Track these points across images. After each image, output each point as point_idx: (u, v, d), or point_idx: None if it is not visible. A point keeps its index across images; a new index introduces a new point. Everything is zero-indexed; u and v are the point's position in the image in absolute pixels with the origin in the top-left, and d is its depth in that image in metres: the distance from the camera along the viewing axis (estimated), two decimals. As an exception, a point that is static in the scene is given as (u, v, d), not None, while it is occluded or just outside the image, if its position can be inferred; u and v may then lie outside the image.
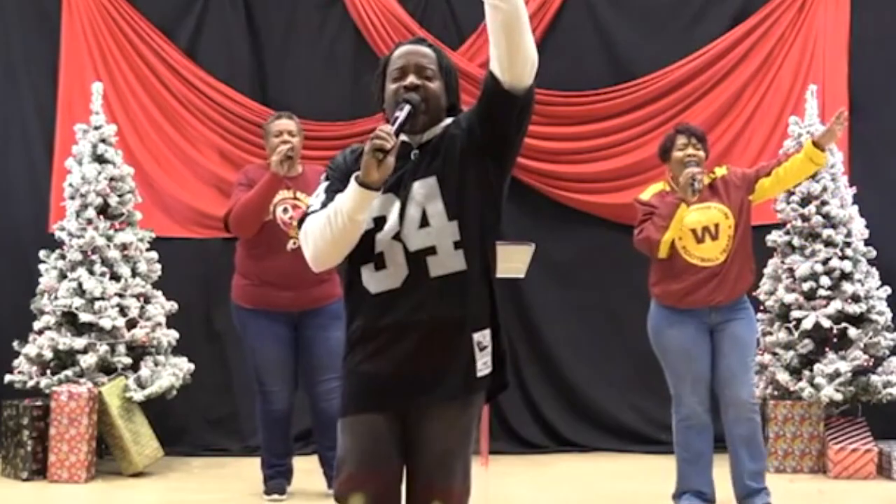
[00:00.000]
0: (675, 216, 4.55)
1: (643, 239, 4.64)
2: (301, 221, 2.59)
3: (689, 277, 4.60)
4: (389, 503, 2.54)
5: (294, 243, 4.86)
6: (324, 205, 2.53)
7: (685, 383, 4.66)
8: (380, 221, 2.53)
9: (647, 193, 4.75)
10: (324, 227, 2.48)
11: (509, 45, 2.45)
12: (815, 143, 4.64)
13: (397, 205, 2.51)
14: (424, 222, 2.51)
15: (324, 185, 2.60)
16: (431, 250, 2.50)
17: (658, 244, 4.59)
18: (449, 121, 2.64)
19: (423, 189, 2.52)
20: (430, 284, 2.49)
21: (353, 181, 2.43)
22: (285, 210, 4.94)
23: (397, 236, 2.51)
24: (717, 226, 4.60)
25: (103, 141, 6.11)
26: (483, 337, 2.54)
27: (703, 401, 4.65)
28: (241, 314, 5.13)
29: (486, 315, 2.56)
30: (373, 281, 2.53)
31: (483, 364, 2.53)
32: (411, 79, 2.56)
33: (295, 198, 4.97)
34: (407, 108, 2.51)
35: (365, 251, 2.52)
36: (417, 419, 2.54)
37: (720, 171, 4.77)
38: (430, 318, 2.48)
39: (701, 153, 4.66)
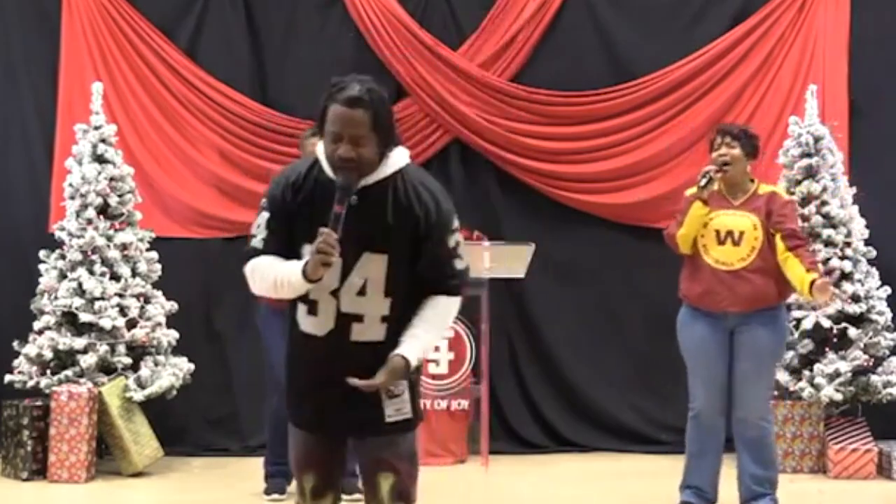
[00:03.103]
0: (690, 213, 4.56)
1: (666, 234, 4.71)
2: (246, 252, 2.76)
3: (704, 278, 4.60)
4: (334, 478, 2.88)
5: None
6: (265, 242, 2.73)
7: (698, 381, 4.67)
8: None
9: (692, 189, 4.71)
10: (269, 285, 2.72)
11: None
12: (810, 285, 4.43)
13: (336, 261, 2.62)
14: (362, 291, 2.70)
15: (265, 216, 2.76)
16: (359, 318, 2.70)
17: (675, 238, 4.62)
18: (394, 167, 2.73)
19: (372, 264, 2.69)
20: (347, 345, 2.71)
21: (299, 274, 2.62)
22: None
23: (335, 292, 2.69)
24: (742, 233, 4.56)
25: (103, 141, 6.11)
26: (395, 387, 2.72)
27: (714, 401, 4.63)
28: (267, 312, 5.09)
29: None
30: (303, 321, 2.76)
31: (395, 411, 2.74)
32: (344, 150, 2.65)
33: None
34: (343, 208, 2.62)
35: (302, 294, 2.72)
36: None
37: (770, 188, 4.72)
38: (339, 373, 2.66)
39: (735, 151, 4.63)
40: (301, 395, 2.82)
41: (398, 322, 2.72)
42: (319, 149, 2.76)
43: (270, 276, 2.70)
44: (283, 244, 2.72)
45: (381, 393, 2.70)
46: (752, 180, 4.72)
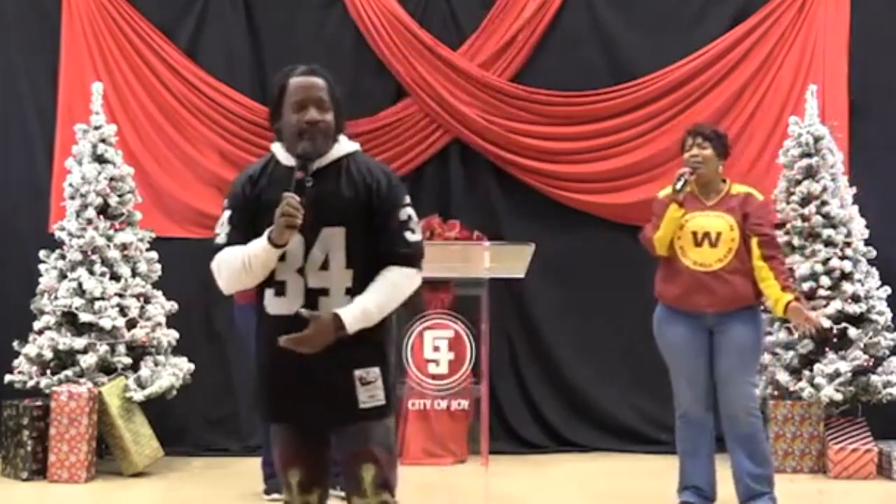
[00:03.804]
0: (666, 215, 4.57)
1: (642, 237, 4.73)
2: (214, 251, 2.85)
3: (682, 279, 4.60)
4: (320, 474, 2.89)
5: None
6: (228, 237, 2.82)
7: (682, 380, 4.69)
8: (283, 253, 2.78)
9: (665, 191, 4.73)
10: (238, 269, 2.78)
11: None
12: (785, 307, 4.49)
13: (298, 239, 2.75)
14: (325, 266, 2.78)
15: (227, 214, 2.86)
16: (325, 292, 2.77)
17: (652, 241, 4.63)
18: (345, 150, 2.88)
19: (331, 237, 2.78)
20: None
21: (265, 241, 2.71)
22: None
23: (301, 270, 2.77)
24: (719, 234, 4.57)
25: (103, 141, 6.11)
26: (367, 373, 2.79)
27: (699, 398, 4.65)
28: (243, 313, 5.13)
29: (373, 354, 2.83)
30: (272, 304, 2.82)
31: (368, 397, 2.79)
32: (312, 114, 2.80)
33: None
34: (305, 175, 2.76)
35: (269, 276, 2.80)
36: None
37: (745, 189, 4.72)
38: (315, 356, 2.72)
39: (707, 151, 4.65)
40: (276, 385, 2.83)
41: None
42: (275, 146, 2.90)
43: (238, 259, 2.77)
44: (246, 238, 2.80)
45: (354, 380, 2.77)
46: (724, 180, 4.73)
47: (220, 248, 2.83)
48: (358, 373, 2.79)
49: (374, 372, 2.81)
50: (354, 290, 2.78)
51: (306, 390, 2.77)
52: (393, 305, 2.82)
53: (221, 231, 2.85)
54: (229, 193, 2.89)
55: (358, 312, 2.74)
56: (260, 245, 2.73)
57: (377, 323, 2.81)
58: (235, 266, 2.78)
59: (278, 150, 2.88)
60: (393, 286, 2.81)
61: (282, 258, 2.76)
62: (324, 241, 2.78)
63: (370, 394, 2.79)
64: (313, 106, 2.81)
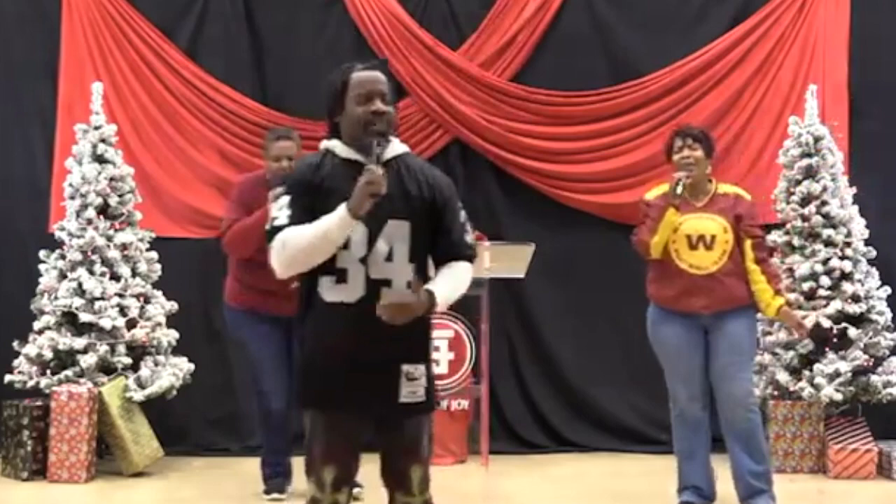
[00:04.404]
0: (663, 220, 4.57)
1: (636, 240, 4.71)
2: (269, 233, 2.83)
3: (678, 282, 4.61)
4: (352, 474, 2.89)
5: None
6: (291, 218, 2.81)
7: (677, 379, 4.69)
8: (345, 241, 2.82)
9: (652, 193, 4.76)
10: (307, 244, 2.77)
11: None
12: (777, 311, 4.61)
13: (361, 229, 2.79)
14: (389, 257, 2.83)
15: (286, 198, 2.85)
16: (387, 283, 2.81)
17: (647, 245, 4.62)
18: (402, 149, 2.96)
19: (397, 230, 2.85)
20: (376, 310, 2.75)
21: (343, 211, 2.73)
22: None
23: (363, 260, 2.81)
24: (713, 237, 4.58)
25: (103, 141, 6.11)
26: (414, 369, 2.85)
27: (695, 397, 4.66)
28: (233, 315, 5.16)
29: (421, 351, 2.90)
30: (330, 291, 2.83)
31: (410, 392, 2.85)
32: (378, 105, 2.87)
33: None
34: (382, 144, 2.85)
35: (329, 263, 2.81)
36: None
37: (735, 190, 4.76)
38: (372, 343, 2.78)
39: (698, 153, 4.67)
40: (328, 371, 2.83)
41: None
42: (331, 143, 2.92)
43: (307, 235, 2.77)
44: (309, 218, 2.80)
45: (400, 373, 2.83)
46: (710, 181, 4.75)
47: (278, 229, 2.81)
48: (406, 368, 2.84)
49: (421, 369, 2.87)
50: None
51: (355, 378, 2.80)
52: (456, 297, 2.95)
53: (281, 214, 2.83)
54: (289, 181, 2.89)
55: (445, 294, 2.85)
56: (336, 216, 2.74)
57: (426, 322, 2.89)
58: (301, 244, 2.77)
59: (336, 145, 2.92)
60: (460, 280, 2.94)
61: (344, 246, 2.79)
62: (389, 233, 2.83)
63: (412, 389, 2.85)
64: (378, 98, 2.88)
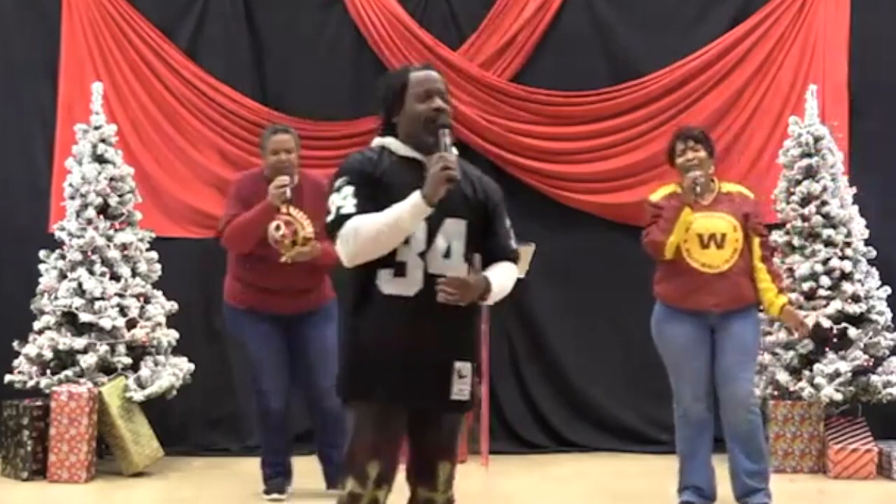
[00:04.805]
0: (679, 219, 4.58)
1: (649, 241, 4.70)
2: (336, 221, 2.83)
3: (690, 280, 4.62)
4: (393, 470, 2.88)
5: (286, 258, 4.85)
6: (357, 206, 2.82)
7: (683, 379, 4.70)
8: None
9: (658, 195, 4.78)
10: (378, 231, 2.79)
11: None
12: (780, 309, 4.70)
13: (421, 224, 2.83)
14: (447, 254, 2.89)
15: (350, 188, 2.86)
16: (444, 278, 2.84)
17: (663, 247, 4.63)
18: (455, 152, 2.95)
19: (454, 228, 2.91)
20: (434, 305, 2.82)
21: (418, 198, 2.77)
22: (277, 227, 4.85)
23: (423, 254, 2.85)
24: (724, 236, 4.62)
25: (103, 141, 6.11)
26: (464, 368, 2.90)
27: (700, 397, 4.67)
28: (233, 314, 5.15)
29: (470, 349, 2.96)
30: (389, 284, 2.86)
31: (458, 391, 2.89)
32: (439, 102, 2.93)
33: (288, 213, 4.91)
34: (450, 136, 2.90)
35: (388, 256, 2.84)
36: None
37: (738, 188, 4.81)
38: (428, 337, 2.84)
39: (701, 153, 4.70)
40: (383, 363, 2.84)
41: None
42: (386, 140, 2.96)
43: (378, 222, 2.79)
44: (374, 209, 2.82)
45: (453, 370, 2.88)
46: (713, 180, 4.78)
47: (345, 217, 2.82)
48: (458, 365, 2.89)
49: (468, 368, 2.91)
50: None
51: (411, 372, 2.83)
52: (504, 293, 3.01)
53: (346, 202, 2.84)
54: (350, 173, 2.89)
55: (499, 283, 2.94)
56: (409, 203, 2.78)
57: (475, 322, 2.97)
58: (371, 231, 2.79)
59: (391, 142, 2.95)
60: (508, 278, 3.03)
61: (405, 241, 2.83)
62: (447, 231, 2.88)
63: (461, 387, 2.90)
64: (437, 95, 2.94)
